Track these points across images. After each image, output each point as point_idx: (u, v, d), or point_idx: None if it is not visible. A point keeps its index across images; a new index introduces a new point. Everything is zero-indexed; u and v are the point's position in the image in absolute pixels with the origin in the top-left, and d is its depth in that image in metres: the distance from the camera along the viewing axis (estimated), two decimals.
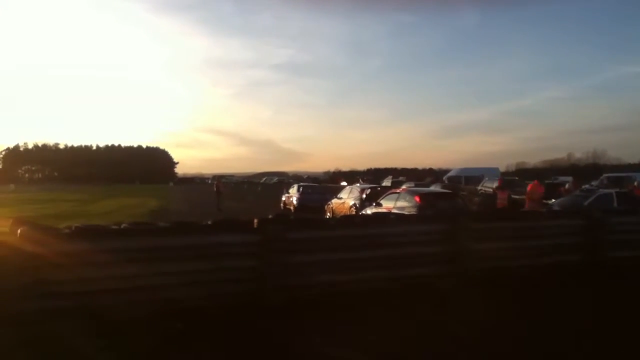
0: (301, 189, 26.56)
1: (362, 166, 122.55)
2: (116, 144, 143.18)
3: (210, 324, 5.60)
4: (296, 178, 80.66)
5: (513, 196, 18.99)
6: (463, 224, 7.39)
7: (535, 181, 15.55)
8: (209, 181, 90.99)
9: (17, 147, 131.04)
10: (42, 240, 5.59)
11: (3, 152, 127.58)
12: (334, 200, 20.95)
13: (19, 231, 5.55)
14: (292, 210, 24.79)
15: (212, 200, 27.26)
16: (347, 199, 19.80)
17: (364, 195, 18.53)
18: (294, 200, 25.61)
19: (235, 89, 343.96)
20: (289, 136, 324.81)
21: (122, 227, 6.22)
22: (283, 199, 28.21)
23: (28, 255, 5.37)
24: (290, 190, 27.96)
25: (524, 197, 20.74)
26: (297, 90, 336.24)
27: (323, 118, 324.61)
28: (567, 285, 7.33)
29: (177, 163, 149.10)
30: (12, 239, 5.50)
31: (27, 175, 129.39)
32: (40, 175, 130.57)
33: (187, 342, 5.14)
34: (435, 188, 24.81)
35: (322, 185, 33.70)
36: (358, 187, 21.74)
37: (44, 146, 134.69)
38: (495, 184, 27.98)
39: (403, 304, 6.40)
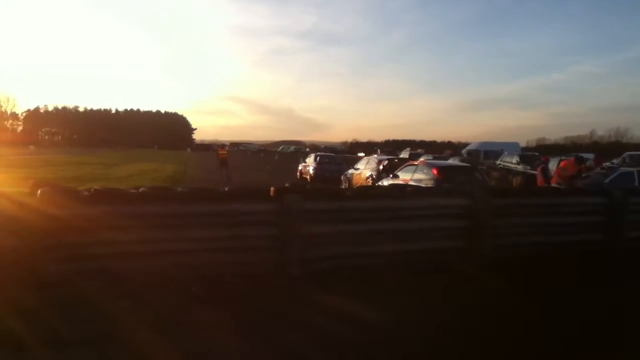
0: (318, 159, 26.19)
1: (380, 138, 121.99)
2: (135, 109, 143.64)
3: (226, 289, 5.68)
4: (313, 148, 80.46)
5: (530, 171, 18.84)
6: (482, 199, 7.30)
7: (572, 159, 15.20)
8: (226, 148, 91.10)
9: (37, 109, 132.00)
10: (62, 202, 5.63)
11: (24, 114, 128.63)
12: (351, 171, 20.86)
13: (39, 192, 5.60)
14: (309, 180, 24.76)
15: (230, 167, 27.15)
16: (364, 170, 19.67)
17: (381, 167, 18.38)
18: (311, 170, 25.42)
19: (257, 57, 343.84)
20: (309, 106, 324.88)
21: (140, 191, 6.24)
22: (300, 168, 28.08)
23: (48, 217, 5.43)
24: (307, 160, 27.62)
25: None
26: (321, 59, 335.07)
27: (345, 88, 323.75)
28: (581, 265, 7.22)
29: (195, 129, 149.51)
30: (32, 200, 5.55)
31: (47, 137, 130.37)
32: (60, 137, 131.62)
33: (204, 305, 5.21)
34: (453, 161, 24.60)
35: (340, 156, 33.32)
36: (375, 158, 21.58)
37: (64, 109, 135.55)
38: (515, 159, 27.76)
39: (417, 275, 6.40)
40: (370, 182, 17.76)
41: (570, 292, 6.11)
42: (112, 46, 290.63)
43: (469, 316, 5.21)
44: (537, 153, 36.17)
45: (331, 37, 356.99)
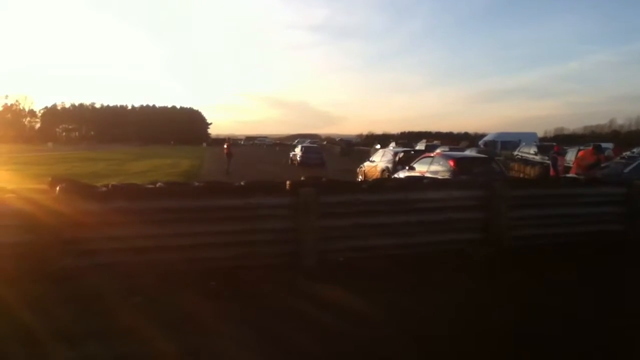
0: (303, 149, 36.26)
1: (396, 130, 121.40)
2: (150, 105, 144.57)
3: (242, 282, 5.67)
4: (329, 141, 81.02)
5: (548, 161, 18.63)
6: (499, 191, 7.23)
7: (590, 148, 14.93)
8: (242, 142, 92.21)
9: (54, 106, 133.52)
10: (80, 197, 5.69)
11: (41, 111, 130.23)
12: (366, 164, 20.74)
13: (57, 188, 5.65)
14: (296, 165, 33.43)
15: (245, 162, 27.27)
16: (379, 162, 19.53)
17: (397, 159, 18.24)
18: (298, 158, 34.59)
19: (271, 50, 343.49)
20: (324, 99, 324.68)
21: (157, 186, 6.27)
22: (290, 156, 37.39)
23: (66, 212, 5.48)
24: (296, 150, 37.92)
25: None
26: (334, 52, 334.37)
27: (359, 81, 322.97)
28: (601, 256, 7.12)
29: (211, 124, 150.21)
30: (51, 197, 5.60)
31: (64, 134, 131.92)
32: (77, 134, 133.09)
33: (221, 299, 5.22)
34: (470, 153, 24.40)
35: (318, 146, 48.00)
36: (391, 150, 21.45)
37: (81, 105, 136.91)
38: (533, 149, 27.44)
39: (432, 268, 6.38)
40: (386, 174, 17.63)
41: (588, 283, 6.04)
42: (125, 44, 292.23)
43: (483, 311, 5.15)
44: (555, 143, 35.73)
45: (344, 30, 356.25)
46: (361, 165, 21.38)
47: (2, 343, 4.04)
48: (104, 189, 6.03)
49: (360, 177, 20.34)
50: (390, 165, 18.11)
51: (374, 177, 18.17)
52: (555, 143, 28.19)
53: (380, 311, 4.97)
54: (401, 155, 18.48)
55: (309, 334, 4.41)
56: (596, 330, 4.60)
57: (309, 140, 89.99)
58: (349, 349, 4.17)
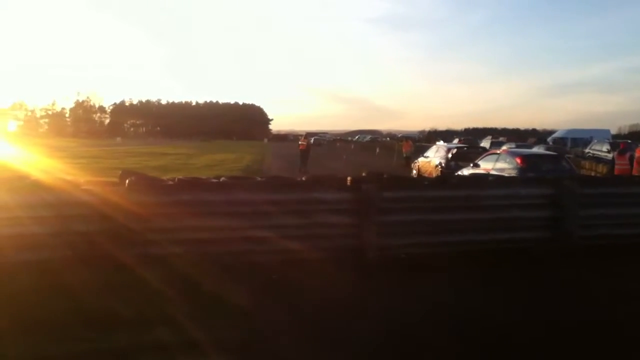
0: (313, 139, 56.21)
1: (460, 126, 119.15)
2: (214, 101, 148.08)
3: (304, 276, 5.70)
4: (391, 137, 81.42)
5: None
6: (568, 188, 6.94)
7: None
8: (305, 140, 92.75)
9: (123, 102, 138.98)
10: (148, 190, 5.88)
11: (111, 107, 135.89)
12: (420, 159, 20.87)
13: (127, 181, 5.87)
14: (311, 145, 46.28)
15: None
16: (433, 157, 19.53)
17: (450, 155, 18.14)
18: (312, 142, 42.07)
19: (330, 44, 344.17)
20: (385, 93, 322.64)
21: (221, 180, 6.40)
22: (310, 140, 45.08)
23: (135, 204, 5.68)
24: (312, 139, 49.08)
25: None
26: (395, 45, 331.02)
27: (420, 74, 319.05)
28: None
29: (272, 120, 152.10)
30: (121, 189, 5.82)
31: (132, 129, 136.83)
32: (144, 129, 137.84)
33: (283, 291, 5.30)
34: (538, 150, 23.66)
35: (323, 138, 76.48)
36: (445, 146, 21.31)
37: (148, 102, 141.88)
38: (605, 147, 26.22)
39: (497, 267, 6.25)
40: (439, 170, 17.60)
41: None
42: (187, 37, 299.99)
43: (544, 311, 4.97)
44: (629, 140, 33.96)
45: (406, 21, 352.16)
46: (415, 161, 21.61)
47: (72, 327, 4.20)
48: (170, 182, 6.21)
49: (414, 171, 20.65)
50: (443, 161, 18.09)
51: (428, 172, 18.49)
52: (630, 140, 26.74)
53: (439, 308, 4.93)
54: (454, 151, 18.40)
55: (363, 331, 4.41)
56: None
57: (370, 136, 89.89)
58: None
